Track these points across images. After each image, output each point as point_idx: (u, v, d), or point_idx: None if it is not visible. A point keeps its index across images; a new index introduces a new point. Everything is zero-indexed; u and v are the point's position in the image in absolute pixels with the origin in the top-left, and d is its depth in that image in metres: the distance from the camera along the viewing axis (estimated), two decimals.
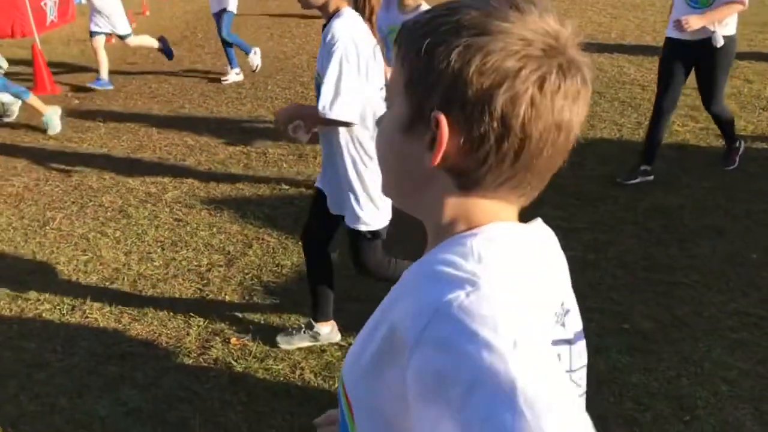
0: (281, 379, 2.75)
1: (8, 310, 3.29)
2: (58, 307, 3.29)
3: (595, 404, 2.49)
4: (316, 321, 2.91)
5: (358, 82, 2.36)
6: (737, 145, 4.66)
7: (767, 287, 3.24)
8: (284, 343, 2.93)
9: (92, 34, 6.76)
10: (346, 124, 2.43)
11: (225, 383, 2.74)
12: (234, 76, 7.07)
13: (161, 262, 3.66)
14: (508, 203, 0.74)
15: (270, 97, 6.58)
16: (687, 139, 5.09)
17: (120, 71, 7.58)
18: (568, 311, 0.76)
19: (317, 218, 2.77)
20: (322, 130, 2.54)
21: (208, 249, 3.77)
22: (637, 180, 4.38)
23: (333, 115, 2.36)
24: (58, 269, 3.63)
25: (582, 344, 0.79)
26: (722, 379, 2.65)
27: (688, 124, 5.36)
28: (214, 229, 4.01)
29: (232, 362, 2.85)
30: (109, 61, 7.01)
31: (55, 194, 4.56)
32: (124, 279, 3.52)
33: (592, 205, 4.11)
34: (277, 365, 2.82)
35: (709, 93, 4.31)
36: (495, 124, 0.67)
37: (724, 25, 4.10)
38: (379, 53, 2.51)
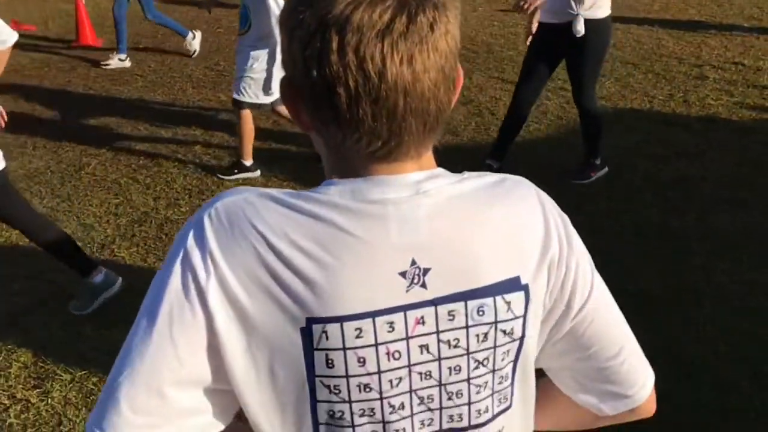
0: None
1: None
2: (88, 245, 3.47)
3: None
4: None
5: None
6: (598, 162, 4.01)
7: None
8: None
9: None
10: None
11: None
12: (117, 61, 6.36)
13: (188, 209, 3.81)
14: (362, 156, 0.70)
15: None
16: (719, 112, 5.02)
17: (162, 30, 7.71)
18: (427, 270, 0.69)
19: None
20: None
21: None
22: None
23: None
24: (91, 210, 3.81)
25: (458, 305, 0.71)
26: (724, 341, 2.69)
27: (722, 98, 5.27)
28: (240, 180, 4.14)
29: None
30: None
31: (91, 141, 4.74)
32: (152, 222, 3.68)
33: (614, 173, 4.11)
34: None
35: (577, 86, 3.85)
36: (297, 68, 0.68)
37: (591, 7, 3.54)
38: None
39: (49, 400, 2.45)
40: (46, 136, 4.83)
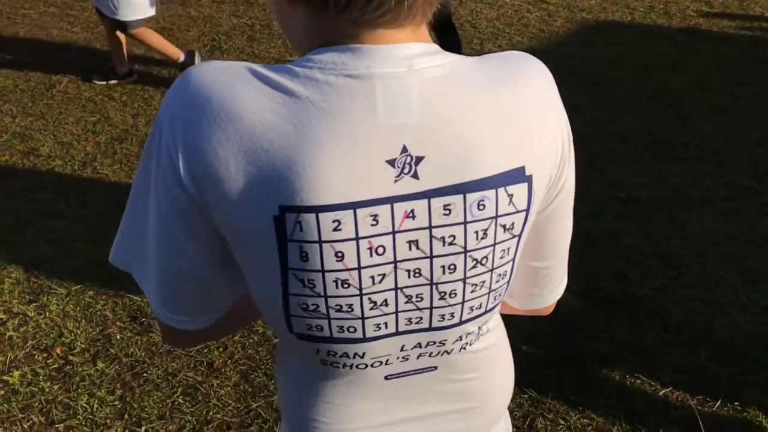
0: None
1: (21, 165, 3.38)
2: (69, 164, 3.38)
3: (585, 260, 2.63)
4: None
5: None
6: None
7: (763, 163, 3.31)
8: None
9: None
10: None
11: None
12: None
13: None
14: (350, 22, 0.61)
15: None
16: (699, 23, 5.01)
17: None
18: (420, 158, 0.61)
19: None
20: None
21: None
22: None
23: None
24: (67, 129, 3.69)
25: (456, 199, 0.63)
26: (710, 241, 2.77)
27: (702, 9, 5.26)
28: None
29: None
30: None
31: (60, 59, 4.54)
32: (132, 139, 3.58)
33: (599, 84, 4.11)
34: None
35: None
36: None
37: None
38: None
39: (47, 314, 2.43)
40: (9, 54, 4.61)
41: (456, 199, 0.63)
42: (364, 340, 0.70)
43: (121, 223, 0.71)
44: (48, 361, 2.25)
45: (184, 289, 0.70)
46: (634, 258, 2.68)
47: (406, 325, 0.70)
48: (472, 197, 0.63)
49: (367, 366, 0.73)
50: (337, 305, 0.66)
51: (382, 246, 0.63)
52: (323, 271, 0.63)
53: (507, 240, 0.67)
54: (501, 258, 0.68)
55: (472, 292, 0.69)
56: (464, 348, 0.76)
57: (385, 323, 0.69)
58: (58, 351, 2.28)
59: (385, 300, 0.67)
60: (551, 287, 0.84)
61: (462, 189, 0.62)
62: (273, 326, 0.75)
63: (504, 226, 0.66)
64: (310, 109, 0.59)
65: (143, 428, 2.01)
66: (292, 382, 0.83)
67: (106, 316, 2.43)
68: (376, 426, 0.80)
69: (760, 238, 2.79)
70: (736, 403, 2.08)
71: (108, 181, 3.23)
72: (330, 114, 0.59)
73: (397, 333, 0.70)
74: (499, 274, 0.70)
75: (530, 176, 0.65)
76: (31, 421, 2.04)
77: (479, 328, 0.75)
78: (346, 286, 0.64)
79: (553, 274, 0.82)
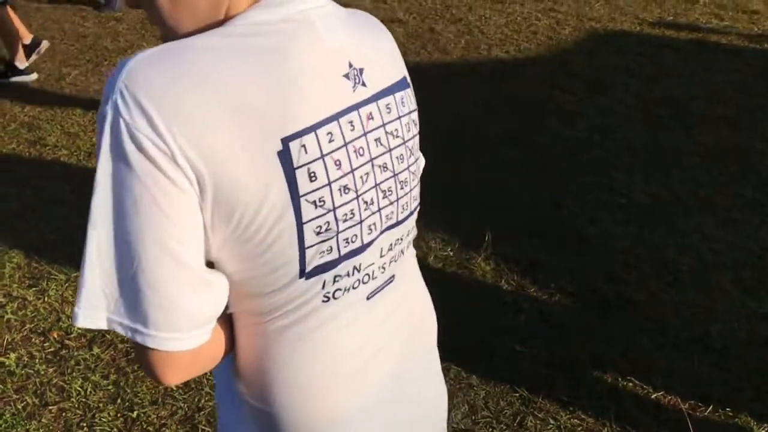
0: None
1: (27, 154, 3.41)
2: (75, 154, 3.41)
3: (582, 263, 2.63)
4: None
5: None
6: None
7: (766, 174, 3.30)
8: None
9: None
10: None
11: None
12: None
13: None
14: None
15: None
16: (708, 36, 5.01)
17: None
18: (362, 69, 0.74)
19: None
20: None
21: None
22: None
23: None
24: (74, 120, 3.73)
25: (391, 98, 0.78)
26: (709, 249, 2.76)
27: (711, 21, 5.26)
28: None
29: None
30: None
31: (70, 52, 4.59)
32: None
33: (604, 92, 4.11)
34: None
35: None
36: None
37: None
38: None
39: (46, 298, 2.45)
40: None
41: (391, 99, 0.78)
42: (363, 248, 0.77)
43: (82, 276, 0.66)
44: (44, 345, 2.27)
45: (180, 294, 0.66)
46: (631, 262, 2.68)
47: (386, 221, 0.79)
48: (398, 96, 0.79)
49: (359, 284, 0.78)
50: (344, 215, 0.73)
51: (362, 147, 0.74)
52: (329, 183, 0.71)
53: (416, 135, 0.84)
54: (417, 149, 0.84)
55: (414, 180, 0.83)
56: (404, 252, 0.86)
57: (374, 224, 0.77)
58: (55, 335, 2.30)
59: (372, 198, 0.76)
60: None
61: (391, 90, 0.78)
62: (277, 289, 0.72)
63: (413, 121, 0.83)
64: (271, 53, 0.67)
65: (135, 413, 2.02)
66: (275, 350, 0.78)
67: None
68: (355, 371, 0.81)
69: (760, 248, 2.78)
70: (727, 409, 2.07)
71: None
72: (289, 50, 0.68)
73: (381, 232, 0.79)
74: (418, 165, 0.85)
75: (409, 84, 0.83)
76: (25, 402, 2.06)
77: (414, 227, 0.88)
78: (347, 191, 0.73)
79: None
